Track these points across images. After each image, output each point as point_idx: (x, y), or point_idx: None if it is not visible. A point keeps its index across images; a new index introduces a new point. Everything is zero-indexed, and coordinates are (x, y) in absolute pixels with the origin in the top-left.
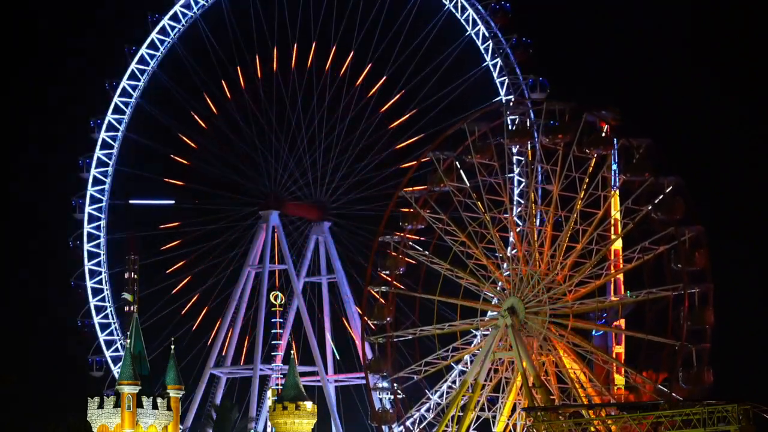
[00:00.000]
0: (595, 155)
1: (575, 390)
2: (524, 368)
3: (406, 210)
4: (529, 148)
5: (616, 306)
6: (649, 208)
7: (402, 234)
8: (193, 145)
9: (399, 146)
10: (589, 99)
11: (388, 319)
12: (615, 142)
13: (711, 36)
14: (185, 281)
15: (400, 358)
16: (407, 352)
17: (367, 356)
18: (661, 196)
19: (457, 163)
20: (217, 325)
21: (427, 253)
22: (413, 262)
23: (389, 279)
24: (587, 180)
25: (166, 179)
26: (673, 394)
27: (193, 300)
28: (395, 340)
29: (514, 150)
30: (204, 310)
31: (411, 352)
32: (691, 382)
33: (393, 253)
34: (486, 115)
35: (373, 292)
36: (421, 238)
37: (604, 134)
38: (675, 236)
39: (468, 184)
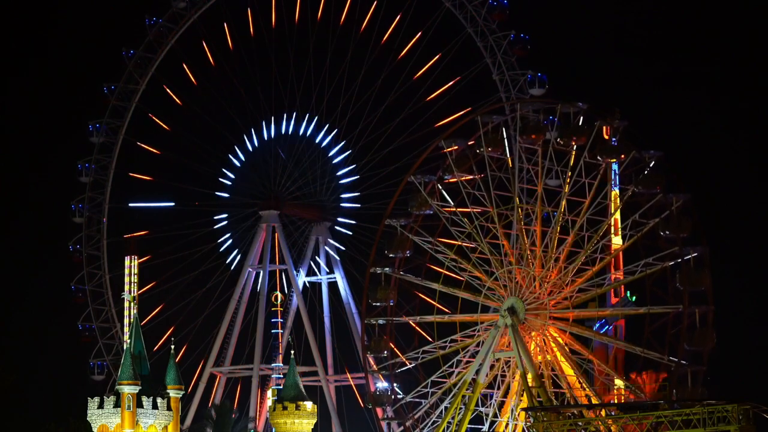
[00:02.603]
0: (606, 161)
1: (569, 392)
2: (524, 368)
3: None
4: (507, 153)
5: (617, 314)
6: (656, 221)
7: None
8: (192, 147)
9: (397, 145)
10: (584, 95)
11: (385, 353)
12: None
13: (708, 32)
14: (186, 282)
15: (398, 347)
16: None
17: (370, 388)
18: (667, 213)
19: (438, 185)
20: (218, 326)
21: (419, 279)
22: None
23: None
24: (573, 177)
25: (166, 182)
26: (677, 362)
27: (194, 301)
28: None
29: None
30: (205, 311)
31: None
32: (695, 344)
33: (384, 285)
34: (461, 129)
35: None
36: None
37: (615, 142)
38: (679, 255)
39: (452, 203)
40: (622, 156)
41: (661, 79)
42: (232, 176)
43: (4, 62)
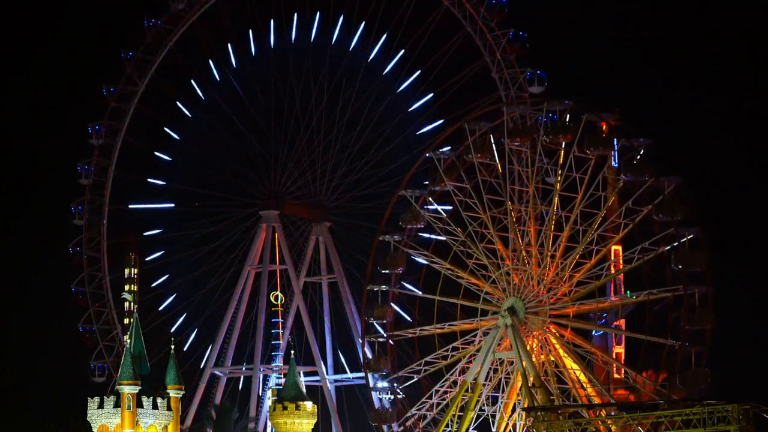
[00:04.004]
0: (595, 156)
1: (575, 390)
2: (524, 368)
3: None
4: (496, 159)
5: (616, 306)
6: (650, 208)
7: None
8: (191, 148)
9: (396, 144)
10: (583, 93)
11: (385, 371)
12: (614, 142)
13: (706, 30)
14: (186, 284)
15: (400, 356)
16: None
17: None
18: (661, 197)
19: (430, 198)
20: (219, 326)
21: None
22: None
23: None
24: (564, 173)
25: (166, 182)
26: (673, 396)
27: (194, 302)
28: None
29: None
30: (205, 313)
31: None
32: (696, 323)
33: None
34: (449, 138)
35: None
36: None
37: (604, 134)
38: (675, 237)
39: (444, 214)
40: (647, 175)
41: (660, 76)
42: (231, 176)
43: (4, 63)
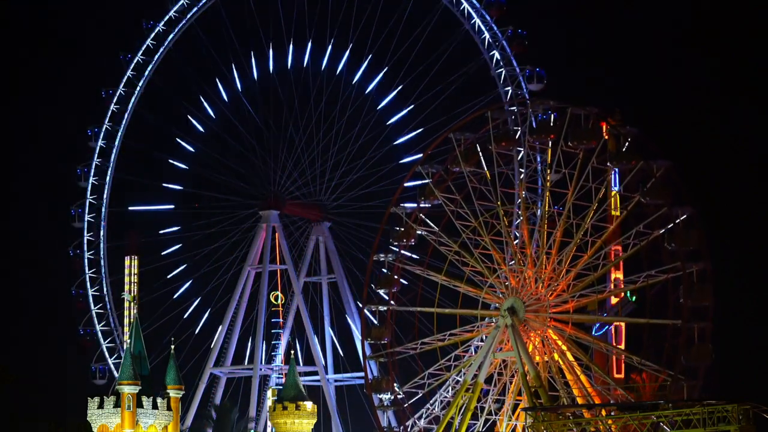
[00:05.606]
0: (582, 149)
1: (576, 389)
2: (524, 368)
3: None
4: (484, 166)
5: (616, 296)
6: (639, 194)
7: (387, 295)
8: (191, 149)
9: (398, 142)
10: (582, 91)
11: (389, 394)
12: (603, 134)
13: (704, 23)
14: (186, 285)
15: (403, 372)
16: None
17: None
18: (651, 181)
19: (421, 214)
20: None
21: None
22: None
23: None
24: (576, 174)
25: (165, 184)
26: (678, 375)
27: (194, 304)
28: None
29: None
30: (206, 314)
31: (413, 364)
32: (696, 300)
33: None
34: (470, 124)
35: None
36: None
37: (590, 126)
38: (668, 218)
39: (436, 227)
40: (593, 143)
41: (658, 71)
42: (212, 115)
43: (3, 65)
